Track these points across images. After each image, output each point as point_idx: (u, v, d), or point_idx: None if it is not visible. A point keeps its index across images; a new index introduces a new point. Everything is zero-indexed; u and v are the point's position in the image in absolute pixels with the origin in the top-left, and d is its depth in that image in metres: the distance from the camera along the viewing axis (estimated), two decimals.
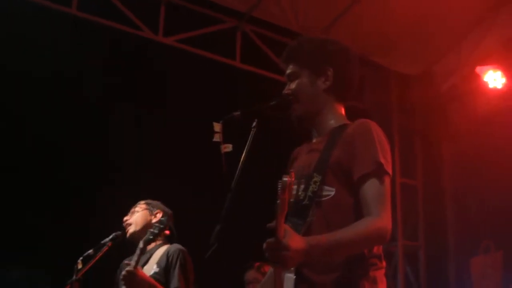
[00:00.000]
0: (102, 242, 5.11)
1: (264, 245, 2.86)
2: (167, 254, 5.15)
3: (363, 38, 8.69)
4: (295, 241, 2.85)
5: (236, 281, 6.91)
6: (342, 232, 3.02)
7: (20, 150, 7.76)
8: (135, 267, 4.80)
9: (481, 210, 8.72)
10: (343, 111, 3.53)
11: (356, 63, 3.58)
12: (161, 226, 4.88)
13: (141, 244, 4.90)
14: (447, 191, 9.56)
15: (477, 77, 8.65)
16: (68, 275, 4.79)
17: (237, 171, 3.23)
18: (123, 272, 4.79)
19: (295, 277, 3.11)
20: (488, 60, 8.69)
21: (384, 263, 3.24)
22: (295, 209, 3.25)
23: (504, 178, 8.44)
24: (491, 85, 8.62)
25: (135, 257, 4.85)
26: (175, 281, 5.03)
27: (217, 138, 3.35)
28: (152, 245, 5.25)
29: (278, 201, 2.80)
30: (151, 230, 4.93)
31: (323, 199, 3.19)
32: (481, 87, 8.68)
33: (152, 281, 4.93)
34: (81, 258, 4.92)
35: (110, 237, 5.15)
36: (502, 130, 8.56)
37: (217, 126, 3.37)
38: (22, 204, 7.66)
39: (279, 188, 2.81)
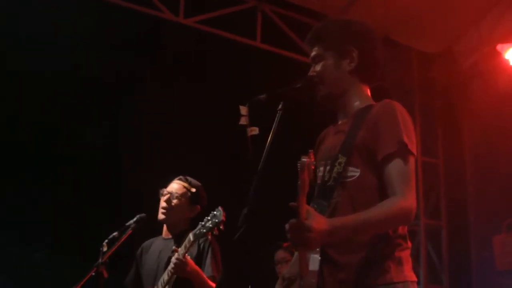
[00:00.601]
0: (127, 224, 5.08)
1: (287, 226, 2.89)
2: (198, 241, 5.11)
3: (384, 16, 8.65)
4: (317, 222, 2.87)
5: (265, 262, 6.96)
6: (367, 212, 3.03)
7: (42, 133, 7.81)
8: (184, 256, 4.83)
9: (503, 188, 8.66)
10: (368, 92, 3.54)
11: (380, 44, 3.59)
12: (216, 221, 4.77)
13: (191, 237, 4.83)
14: (469, 169, 9.51)
15: (498, 55, 8.59)
16: (93, 258, 4.83)
17: (264, 154, 3.25)
18: (174, 260, 4.82)
19: (320, 258, 3.15)
20: (509, 37, 8.63)
21: (409, 244, 3.26)
22: (320, 190, 3.29)
23: None
24: None
25: (182, 249, 4.85)
26: (209, 270, 5.02)
27: (243, 121, 3.36)
28: (180, 229, 5.27)
29: (298, 182, 2.82)
30: (203, 223, 4.85)
31: (348, 180, 3.22)
32: (502, 65, 8.60)
33: (200, 271, 4.94)
34: (106, 241, 4.89)
35: (135, 219, 5.09)
36: None
37: (243, 109, 3.38)
38: (46, 186, 7.72)
39: (298, 169, 2.83)
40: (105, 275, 4.68)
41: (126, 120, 8.05)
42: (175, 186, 5.38)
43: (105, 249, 4.81)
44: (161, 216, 5.31)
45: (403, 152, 3.17)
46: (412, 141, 3.23)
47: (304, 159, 2.84)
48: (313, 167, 2.95)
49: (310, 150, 2.98)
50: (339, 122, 3.50)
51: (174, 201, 5.29)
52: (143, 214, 5.17)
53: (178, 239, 5.16)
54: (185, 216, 5.31)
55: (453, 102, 9.61)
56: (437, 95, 9.74)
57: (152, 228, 5.35)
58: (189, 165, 5.75)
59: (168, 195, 5.32)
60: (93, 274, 4.68)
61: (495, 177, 8.86)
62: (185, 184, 5.38)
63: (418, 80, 9.76)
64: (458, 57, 9.40)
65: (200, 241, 5.12)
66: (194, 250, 5.10)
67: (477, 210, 9.26)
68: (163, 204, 5.31)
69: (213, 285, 4.96)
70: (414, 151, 3.23)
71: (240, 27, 8.70)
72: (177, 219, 5.29)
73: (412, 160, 3.20)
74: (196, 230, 4.84)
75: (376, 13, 8.52)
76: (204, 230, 4.78)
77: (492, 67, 8.82)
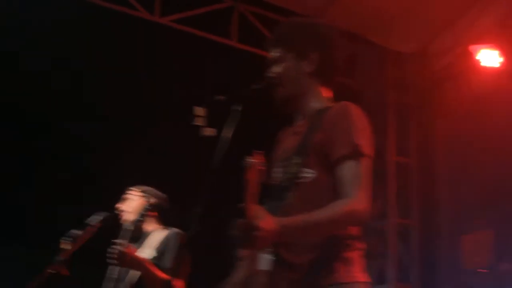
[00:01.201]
0: (89, 222, 5.10)
1: (235, 226, 2.93)
2: (165, 239, 5.19)
3: (361, 16, 8.75)
4: (266, 221, 2.90)
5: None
6: (316, 213, 3.07)
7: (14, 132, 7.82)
8: (126, 246, 4.86)
9: (474, 188, 8.72)
10: (328, 93, 3.55)
11: (341, 46, 3.63)
12: (149, 207, 4.88)
13: (130, 226, 4.95)
14: (441, 170, 9.55)
15: (471, 56, 8.66)
16: (54, 255, 4.82)
17: (218, 154, 3.28)
18: (113, 251, 4.81)
19: (271, 258, 3.18)
20: (483, 38, 8.68)
21: (362, 244, 3.29)
22: (274, 191, 3.30)
23: (497, 157, 8.48)
24: (484, 63, 8.62)
25: (124, 238, 4.90)
26: (167, 262, 5.06)
27: (199, 122, 3.39)
28: (150, 228, 5.31)
29: (245, 182, 2.87)
30: (141, 212, 4.97)
31: (302, 181, 3.24)
32: (475, 66, 8.69)
33: (144, 260, 4.97)
34: (65, 238, 4.87)
35: (98, 217, 5.11)
36: (495, 109, 8.54)
37: (199, 110, 3.41)
38: (9, 183, 7.71)
39: (244, 169, 2.89)
40: (66, 273, 4.69)
41: (94, 121, 8.03)
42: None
43: (65, 246, 4.82)
44: (123, 219, 5.35)
45: (356, 153, 3.19)
46: (367, 143, 3.25)
47: (250, 159, 2.89)
48: (262, 168, 2.98)
49: (255, 151, 3.01)
50: (297, 124, 3.53)
51: (127, 202, 5.39)
52: (107, 213, 5.20)
53: (145, 239, 5.25)
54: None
55: (427, 102, 9.65)
56: (411, 95, 9.78)
57: (118, 226, 5.36)
58: (151, 165, 5.79)
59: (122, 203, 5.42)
60: (52, 271, 4.70)
61: (466, 177, 8.91)
62: (134, 188, 5.48)
63: (392, 80, 9.79)
64: (432, 57, 9.46)
65: (168, 237, 5.20)
66: (161, 246, 5.17)
67: (448, 209, 9.28)
68: (121, 210, 5.39)
69: (165, 276, 4.97)
70: (369, 152, 3.25)
71: (216, 26, 8.71)
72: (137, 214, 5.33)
73: (366, 162, 3.22)
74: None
75: (353, 14, 8.64)
76: (141, 218, 4.88)
77: (465, 68, 8.88)
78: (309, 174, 3.25)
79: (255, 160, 2.91)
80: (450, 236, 9.15)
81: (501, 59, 8.64)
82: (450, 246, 9.08)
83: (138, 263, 4.91)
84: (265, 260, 3.16)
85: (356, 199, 3.12)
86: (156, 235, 5.27)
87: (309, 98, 3.50)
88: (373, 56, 9.53)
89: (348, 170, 3.18)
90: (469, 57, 8.68)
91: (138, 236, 5.21)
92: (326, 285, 3.13)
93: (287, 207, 3.21)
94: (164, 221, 5.36)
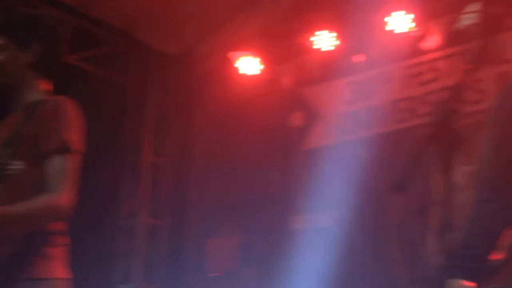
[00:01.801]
0: None
1: None
2: None
3: (128, 13, 8.68)
4: None
5: None
6: (17, 206, 3.06)
7: None
8: None
9: (223, 193, 8.90)
10: (47, 86, 3.53)
11: (62, 42, 3.63)
12: None
13: None
14: (194, 172, 9.60)
15: (230, 62, 8.85)
16: None
17: None
18: None
19: None
20: (244, 46, 8.88)
21: (63, 240, 3.29)
22: None
23: (246, 165, 8.76)
24: (242, 71, 8.85)
25: None
26: None
27: None
28: None
29: None
30: None
31: (10, 172, 3.20)
32: (234, 72, 8.88)
33: None
34: None
35: None
36: (250, 116, 8.77)
37: None
38: None
39: None
40: None
41: None
42: None
43: None
44: None
45: (64, 149, 3.21)
46: (76, 139, 3.27)
47: None
48: None
49: None
50: (12, 114, 3.47)
51: None
52: None
53: None
54: None
55: (187, 105, 9.74)
56: (172, 97, 9.79)
57: None
58: None
59: None
60: None
61: (217, 181, 9.08)
62: None
63: (154, 80, 9.67)
64: (195, 61, 9.50)
65: None
66: None
67: (198, 212, 9.34)
68: None
69: None
70: (78, 148, 3.27)
71: None
72: None
73: (73, 157, 3.24)
74: None
75: (122, 9, 8.58)
76: None
77: (224, 74, 9.05)
78: (17, 166, 3.21)
79: None
80: (197, 239, 9.22)
81: (261, 67, 8.89)
82: (197, 249, 9.13)
83: None
84: None
85: (59, 194, 3.13)
86: None
87: (27, 90, 3.46)
88: (138, 54, 9.47)
89: (55, 165, 3.18)
90: (229, 63, 8.87)
91: None
92: (22, 279, 3.10)
93: None
94: None
